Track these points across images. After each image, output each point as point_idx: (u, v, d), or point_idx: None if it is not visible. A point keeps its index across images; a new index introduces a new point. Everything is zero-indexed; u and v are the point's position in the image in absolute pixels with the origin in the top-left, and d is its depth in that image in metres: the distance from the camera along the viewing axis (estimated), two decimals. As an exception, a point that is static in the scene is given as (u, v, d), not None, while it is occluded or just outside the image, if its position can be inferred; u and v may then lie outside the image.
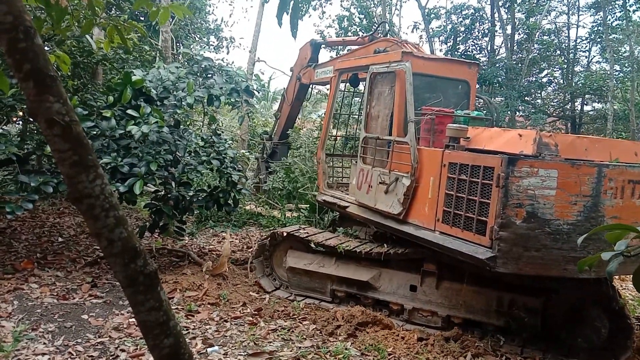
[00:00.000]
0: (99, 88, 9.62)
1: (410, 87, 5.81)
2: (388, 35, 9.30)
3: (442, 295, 5.95)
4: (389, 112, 6.37)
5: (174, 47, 15.19)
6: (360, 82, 8.37)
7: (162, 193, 7.06)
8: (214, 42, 20.92)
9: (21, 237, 7.98)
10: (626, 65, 19.93)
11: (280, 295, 6.80)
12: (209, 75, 8.31)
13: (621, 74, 20.10)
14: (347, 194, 7.34)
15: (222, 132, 9.69)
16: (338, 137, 10.15)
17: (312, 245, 6.65)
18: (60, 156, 1.64)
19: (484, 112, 8.79)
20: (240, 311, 6.14)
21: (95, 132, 6.49)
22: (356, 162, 7.06)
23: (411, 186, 5.72)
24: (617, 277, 7.67)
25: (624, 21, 18.18)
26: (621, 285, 7.77)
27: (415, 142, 5.75)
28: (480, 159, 4.87)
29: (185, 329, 5.49)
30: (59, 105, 1.62)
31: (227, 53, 26.51)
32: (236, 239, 9.35)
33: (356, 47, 9.12)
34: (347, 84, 8.75)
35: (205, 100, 7.76)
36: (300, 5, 3.96)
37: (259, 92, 9.56)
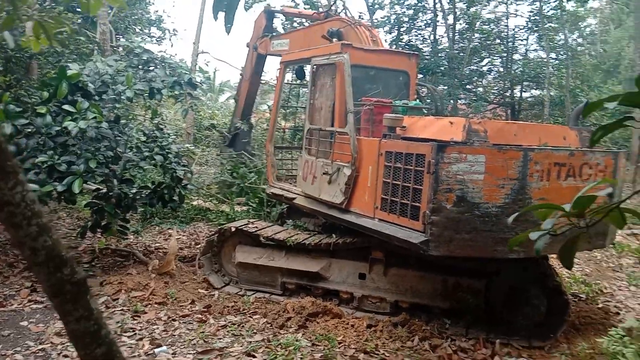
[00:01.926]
0: (34, 84, 9.18)
1: (348, 78, 5.87)
2: (343, 14, 9.29)
3: (390, 282, 6.07)
4: (331, 103, 6.42)
5: (113, 39, 14.66)
6: (306, 74, 8.38)
7: (104, 191, 6.83)
8: (155, 34, 20.32)
9: (-48, 243, 7.56)
10: (561, 53, 20.79)
11: (229, 291, 6.75)
12: (150, 68, 8.09)
13: (557, 62, 20.95)
14: (295, 186, 7.34)
15: (166, 126, 9.47)
16: (287, 129, 10.14)
17: (261, 239, 6.62)
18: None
19: (428, 100, 8.98)
20: (188, 309, 6.05)
21: (29, 130, 6.21)
22: (302, 153, 7.07)
23: (352, 176, 5.79)
24: (554, 256, 8.05)
25: (559, 10, 18.93)
26: (558, 264, 8.15)
27: (355, 132, 5.82)
28: (413, 147, 4.99)
29: (131, 330, 5.37)
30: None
31: (171, 45, 25.89)
32: (183, 235, 9.18)
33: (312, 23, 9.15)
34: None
35: (147, 94, 7.55)
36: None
37: (203, 84, 9.40)
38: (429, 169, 4.71)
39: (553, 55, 20.83)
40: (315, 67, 6.69)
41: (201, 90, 14.54)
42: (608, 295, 7.06)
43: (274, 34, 10.06)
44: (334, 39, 7.23)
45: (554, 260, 6.87)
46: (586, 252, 8.44)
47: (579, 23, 23.43)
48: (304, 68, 8.14)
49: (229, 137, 11.96)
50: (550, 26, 20.09)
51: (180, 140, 13.97)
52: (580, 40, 24.84)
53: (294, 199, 7.06)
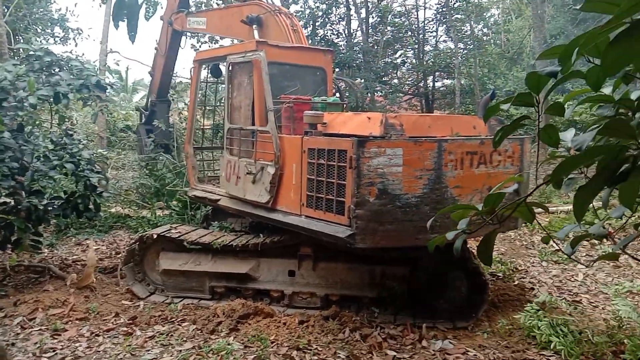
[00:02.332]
0: None
1: (266, 76, 5.84)
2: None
3: (320, 276, 6.14)
4: (249, 101, 6.35)
5: (12, 41, 13.64)
6: (222, 72, 8.21)
7: (12, 204, 6.36)
8: (59, 34, 19.10)
9: None
10: (469, 43, 21.86)
11: (155, 300, 6.51)
12: (54, 71, 7.60)
13: (465, 52, 22.01)
14: (219, 187, 7.21)
15: (76, 132, 8.96)
16: (207, 128, 9.89)
17: (186, 244, 6.45)
18: None
19: (347, 94, 9.12)
20: (113, 323, 5.78)
21: None
22: (223, 153, 6.95)
23: (276, 174, 5.79)
24: (472, 239, 8.49)
25: (464, 2, 19.85)
26: (476, 246, 8.60)
27: (277, 130, 5.81)
28: (335, 143, 5.08)
29: (52, 350, 5.07)
30: None
31: (76, 45, 24.40)
32: (102, 245, 8.75)
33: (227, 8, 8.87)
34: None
35: (52, 99, 7.10)
36: (146, 7, 3.79)
37: (112, 86, 8.95)
38: (351, 164, 4.80)
39: (461, 45, 21.87)
40: (231, 65, 6.58)
41: (112, 91, 13.85)
42: (523, 272, 7.54)
43: (191, 10, 9.62)
44: (254, 26, 7.15)
45: (472, 242, 7.26)
46: (500, 234, 8.96)
47: (484, 14, 24.74)
48: (219, 66, 7.96)
49: (145, 113, 11.35)
50: (457, 17, 21.04)
51: (93, 145, 13.27)
52: (485, 30, 26.22)
53: (218, 200, 6.94)
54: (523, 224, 8.41)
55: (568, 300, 6.25)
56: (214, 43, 18.57)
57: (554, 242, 1.98)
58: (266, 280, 6.34)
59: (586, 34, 1.11)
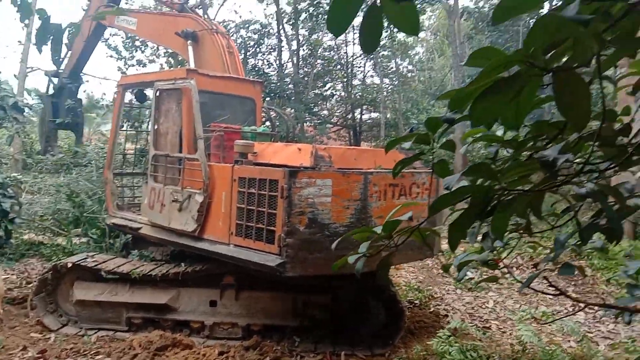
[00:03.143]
0: None
1: (197, 104, 5.87)
2: (201, 15, 8.66)
3: (242, 306, 6.12)
4: (177, 129, 6.33)
5: None
6: (147, 97, 8.07)
7: None
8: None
9: None
10: (394, 79, 22.88)
11: (68, 332, 6.19)
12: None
13: (390, 87, 22.99)
14: (139, 214, 7.05)
15: (-12, 155, 8.49)
16: (129, 153, 9.62)
17: (103, 273, 6.23)
18: None
19: (277, 124, 9.25)
20: (20, 357, 5.46)
21: None
22: (147, 180, 6.83)
23: (204, 202, 5.78)
24: (392, 267, 8.79)
25: (390, 40, 20.83)
26: (395, 274, 8.91)
27: (206, 158, 5.82)
28: (266, 173, 5.18)
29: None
30: None
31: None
32: (12, 274, 8.23)
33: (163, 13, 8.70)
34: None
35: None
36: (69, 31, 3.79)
37: (31, 108, 8.59)
38: (282, 194, 4.91)
39: (387, 81, 22.85)
40: (158, 91, 6.55)
41: (31, 112, 13.20)
42: (438, 299, 7.89)
43: (120, 7, 9.19)
44: (189, 41, 7.11)
45: (391, 271, 7.52)
46: (419, 262, 9.34)
47: (409, 51, 26.02)
48: (144, 91, 7.81)
49: (54, 83, 10.34)
50: (383, 54, 22.01)
51: (7, 168, 12.53)
52: (410, 67, 27.59)
53: (139, 228, 6.77)
54: (440, 252, 8.83)
55: (479, 327, 6.60)
56: (142, 67, 18.31)
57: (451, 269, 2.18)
58: (186, 310, 6.23)
59: (466, 88, 1.29)
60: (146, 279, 6.19)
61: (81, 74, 10.47)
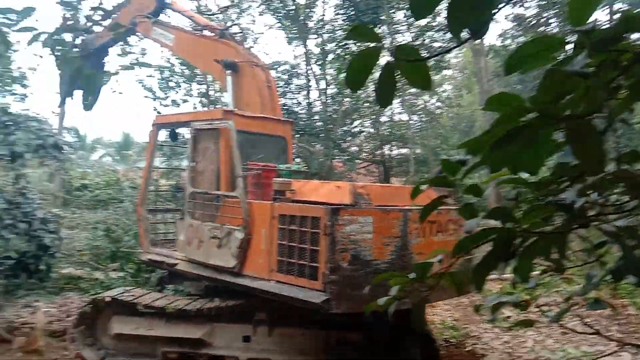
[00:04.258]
0: None
1: (235, 144, 6.05)
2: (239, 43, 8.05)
3: (275, 342, 6.12)
4: (215, 167, 6.51)
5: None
6: (179, 136, 8.23)
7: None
8: (18, 91, 19.06)
9: None
10: (422, 116, 23.01)
11: (105, 365, 6.32)
12: (11, 130, 7.59)
13: (419, 123, 23.09)
14: (174, 250, 7.18)
15: (30, 191, 8.83)
16: (162, 190, 9.86)
17: (139, 308, 6.34)
18: None
19: (303, 161, 9.37)
20: (59, 390, 5.57)
21: None
22: (182, 217, 6.98)
23: (244, 239, 5.87)
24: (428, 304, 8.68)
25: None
26: (430, 312, 8.78)
27: (245, 196, 5.95)
28: (307, 210, 5.29)
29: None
30: None
31: (34, 103, 24.43)
32: (52, 308, 8.43)
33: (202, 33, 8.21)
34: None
35: (8, 158, 7.08)
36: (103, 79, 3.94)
37: (70, 146, 8.95)
38: (324, 231, 4.99)
39: (415, 117, 22.97)
40: (195, 131, 6.77)
41: (70, 149, 13.75)
42: (475, 338, 7.72)
43: (159, 20, 8.65)
44: (228, 71, 7.15)
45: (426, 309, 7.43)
46: (455, 299, 9.18)
47: (437, 89, 26.19)
48: (176, 130, 7.94)
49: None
50: (410, 92, 22.21)
51: (47, 204, 12.99)
52: (439, 104, 27.69)
53: (175, 264, 6.90)
54: (475, 290, 8.68)
55: (517, 367, 6.44)
56: (176, 106, 18.95)
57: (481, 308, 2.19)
58: (220, 345, 6.26)
59: (483, 136, 1.36)
60: (181, 314, 6.27)
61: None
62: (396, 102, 23.12)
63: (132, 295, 6.61)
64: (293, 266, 5.37)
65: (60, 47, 3.50)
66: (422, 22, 19.58)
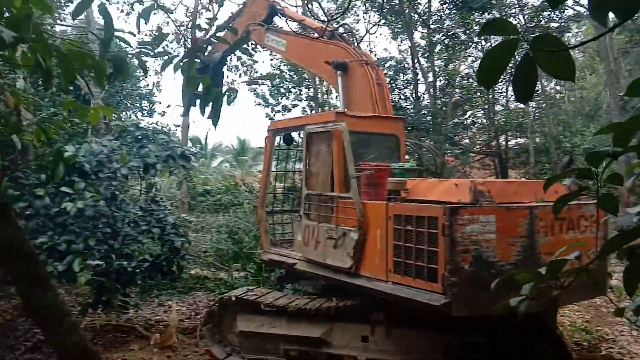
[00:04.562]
0: (30, 164, 9.34)
1: (348, 145, 6.07)
2: (348, 39, 8.18)
3: (394, 343, 6.03)
4: (328, 169, 6.57)
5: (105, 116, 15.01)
6: (294, 139, 8.45)
7: (103, 267, 6.87)
8: (146, 107, 20.91)
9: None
10: (541, 102, 21.52)
11: (232, 361, 6.66)
12: (143, 144, 8.28)
13: (538, 110, 21.64)
14: (292, 250, 7.39)
15: (161, 198, 9.59)
16: (280, 191, 10.18)
17: (262, 306, 6.61)
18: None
19: (413, 158, 9.15)
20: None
21: (29, 212, 6.32)
22: (299, 218, 7.16)
23: (359, 239, 5.86)
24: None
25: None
26: (559, 313, 8.16)
27: (359, 196, 5.96)
28: (424, 210, 5.12)
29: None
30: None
31: (162, 115, 26.50)
32: (183, 306, 9.11)
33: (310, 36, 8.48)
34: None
35: (142, 170, 7.73)
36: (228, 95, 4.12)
37: (195, 156, 9.59)
38: (443, 231, 4.81)
39: (533, 104, 21.53)
40: (308, 134, 6.90)
41: (195, 158, 14.78)
42: (610, 341, 7.06)
43: (271, 26, 8.86)
44: (338, 72, 7.23)
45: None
46: (584, 300, 8.46)
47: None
48: (290, 134, 8.17)
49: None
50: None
51: (176, 210, 14.08)
52: (558, 87, 25.76)
53: (294, 264, 7.09)
54: (609, 289, 7.94)
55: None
56: (287, 112, 19.67)
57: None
58: (339, 345, 6.31)
59: (628, 122, 1.20)
60: (301, 313, 6.43)
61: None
62: (510, 89, 21.89)
63: (255, 295, 6.90)
64: (410, 267, 5.22)
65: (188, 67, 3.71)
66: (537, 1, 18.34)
